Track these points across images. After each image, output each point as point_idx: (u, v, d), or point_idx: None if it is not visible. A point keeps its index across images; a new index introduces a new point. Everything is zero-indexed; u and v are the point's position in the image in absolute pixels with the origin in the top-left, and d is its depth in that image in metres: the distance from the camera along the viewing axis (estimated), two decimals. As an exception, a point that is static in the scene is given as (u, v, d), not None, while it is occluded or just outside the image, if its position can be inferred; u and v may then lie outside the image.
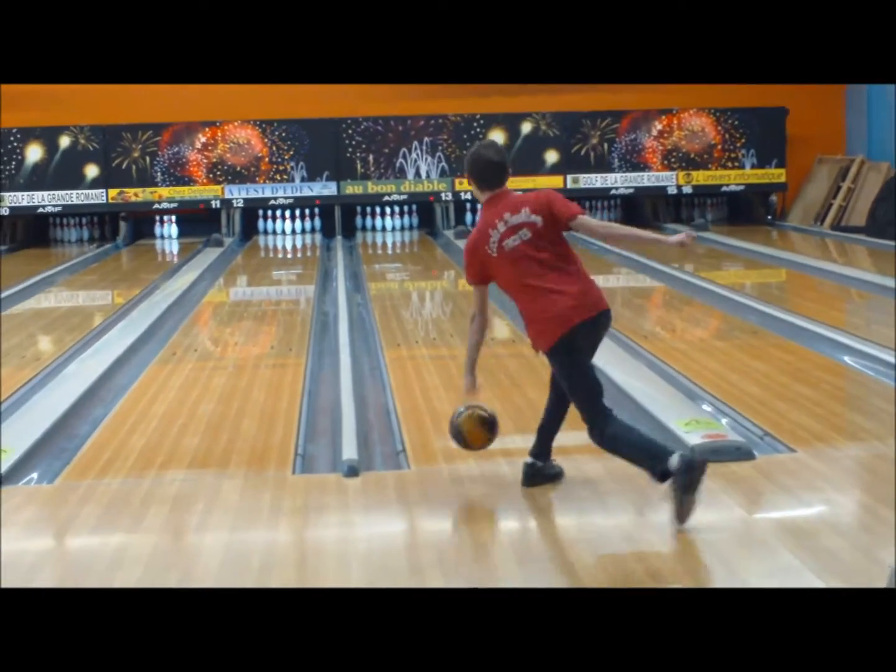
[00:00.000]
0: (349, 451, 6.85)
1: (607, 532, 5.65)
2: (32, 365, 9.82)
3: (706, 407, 7.84)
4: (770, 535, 5.49)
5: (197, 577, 5.16)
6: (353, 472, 6.56)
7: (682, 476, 5.55)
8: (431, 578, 5.06)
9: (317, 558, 5.41)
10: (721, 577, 5.09)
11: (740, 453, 6.65)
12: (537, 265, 5.95)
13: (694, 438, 6.80)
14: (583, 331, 5.89)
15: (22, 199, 19.96)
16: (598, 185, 20.19)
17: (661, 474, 5.66)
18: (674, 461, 5.59)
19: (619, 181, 20.27)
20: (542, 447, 6.26)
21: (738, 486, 6.20)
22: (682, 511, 5.54)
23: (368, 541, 5.67)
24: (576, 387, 5.97)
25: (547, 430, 6.26)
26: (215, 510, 6.10)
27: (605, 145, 20.18)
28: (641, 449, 5.81)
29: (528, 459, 6.27)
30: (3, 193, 19.89)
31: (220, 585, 5.04)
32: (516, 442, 6.84)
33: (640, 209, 20.68)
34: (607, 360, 8.99)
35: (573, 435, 6.29)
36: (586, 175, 20.02)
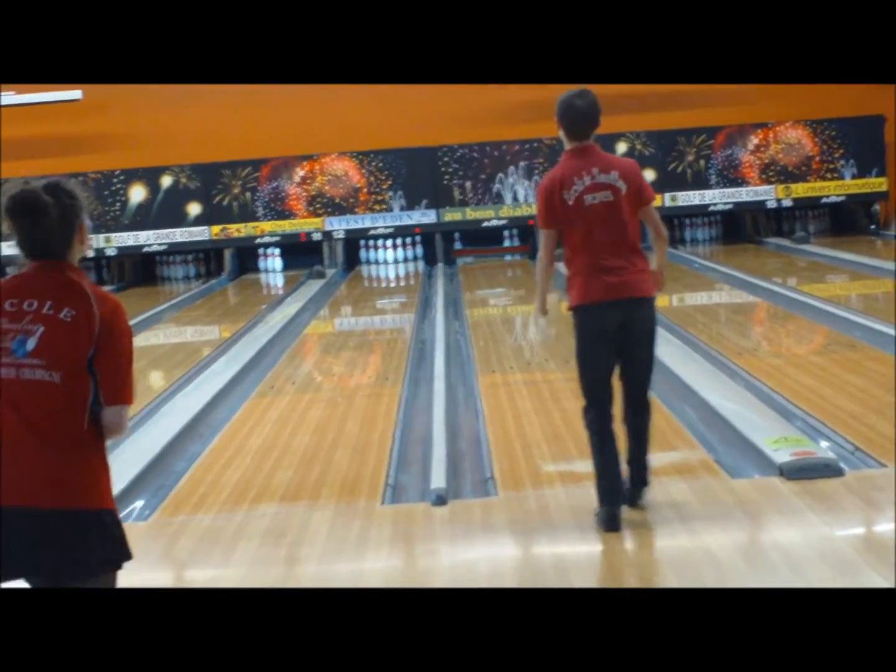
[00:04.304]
0: (438, 480, 6.90)
1: (692, 555, 5.63)
2: (135, 403, 9.98)
3: (798, 423, 7.79)
4: (853, 553, 5.45)
5: (282, 609, 5.23)
6: (440, 501, 6.61)
7: (600, 523, 5.97)
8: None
9: (401, 587, 5.47)
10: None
11: (829, 470, 6.59)
12: (606, 231, 5.93)
13: (782, 456, 6.76)
14: (610, 310, 5.93)
15: (128, 239, 20.33)
16: (697, 202, 20.11)
17: (600, 499, 5.99)
18: (600, 511, 5.97)
19: (717, 197, 20.17)
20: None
21: (825, 503, 6.16)
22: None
23: (452, 569, 5.72)
24: (579, 361, 6.11)
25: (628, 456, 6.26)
26: (304, 542, 6.18)
27: (702, 162, 20.11)
28: (598, 469, 6.03)
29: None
30: (109, 234, 20.27)
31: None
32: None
33: (740, 225, 20.57)
34: (699, 378, 9.01)
35: (659, 456, 6.31)
36: (684, 193, 19.96)
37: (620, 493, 6.00)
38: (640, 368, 6.11)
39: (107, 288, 20.22)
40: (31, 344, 3.58)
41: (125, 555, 3.70)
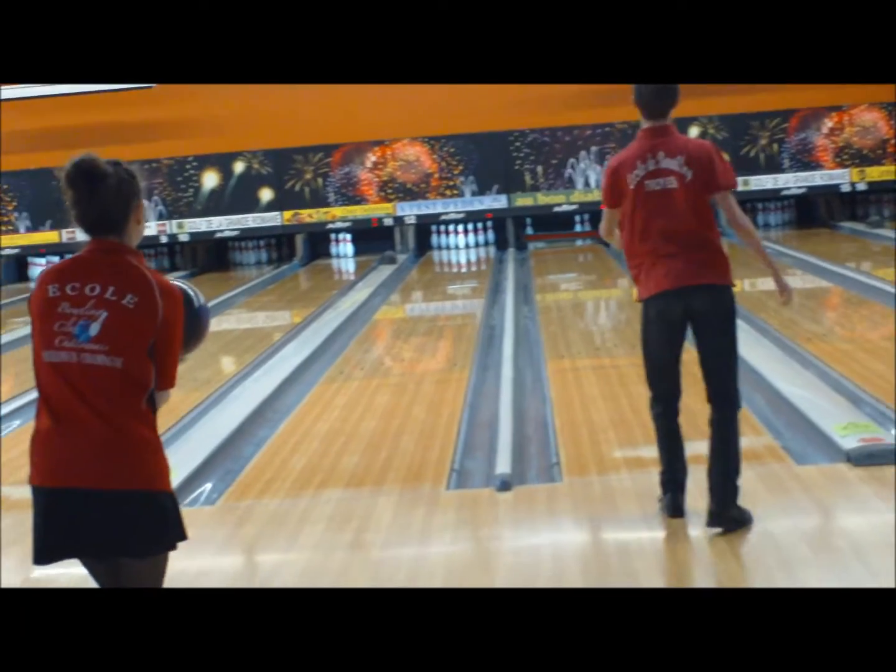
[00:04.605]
0: (503, 466, 6.91)
1: (756, 541, 5.60)
2: (204, 387, 10.06)
3: (867, 410, 7.72)
4: (920, 541, 5.40)
5: (345, 594, 5.27)
6: (505, 486, 6.61)
7: (663, 510, 5.92)
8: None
9: (463, 573, 5.48)
10: (866, 581, 5.02)
11: (897, 457, 6.54)
12: (667, 219, 5.70)
13: (850, 443, 6.71)
14: (673, 300, 5.69)
15: (201, 224, 20.47)
16: (769, 186, 19.95)
17: (663, 488, 5.90)
18: (663, 498, 5.91)
19: (790, 181, 19.99)
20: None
21: (892, 490, 6.09)
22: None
23: (515, 554, 5.73)
24: (644, 353, 5.93)
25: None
26: (368, 528, 6.21)
27: (775, 145, 19.94)
28: (662, 460, 5.92)
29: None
30: (183, 220, 20.42)
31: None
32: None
33: (814, 209, 20.39)
34: (768, 363, 8.95)
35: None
36: (757, 177, 19.79)
37: (684, 483, 5.87)
38: (710, 360, 5.80)
39: (179, 273, 20.44)
40: (94, 329, 3.59)
41: (180, 536, 3.73)
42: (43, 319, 3.66)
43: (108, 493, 3.59)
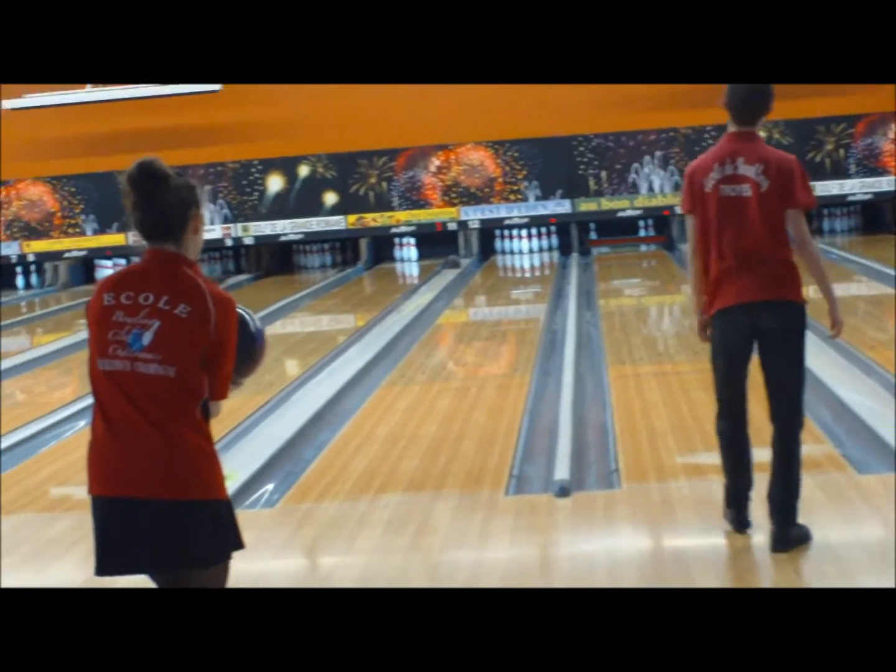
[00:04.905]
0: (562, 472, 6.91)
1: (815, 550, 5.57)
2: (267, 390, 10.12)
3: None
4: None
5: (402, 598, 5.29)
6: (563, 492, 6.62)
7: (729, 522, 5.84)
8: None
9: (520, 579, 5.49)
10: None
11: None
12: (739, 228, 5.52)
13: (911, 451, 6.67)
14: (740, 315, 5.54)
15: (265, 228, 20.58)
16: (835, 192, 19.81)
17: (726, 502, 5.82)
18: (727, 512, 5.82)
19: (856, 187, 19.85)
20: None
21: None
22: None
23: (572, 560, 5.73)
24: (712, 368, 5.75)
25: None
26: (426, 532, 6.23)
27: (841, 151, 19.80)
28: (726, 475, 5.80)
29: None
30: (247, 223, 20.54)
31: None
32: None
33: (880, 214, 20.22)
34: (830, 371, 8.90)
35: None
36: (823, 182, 19.65)
37: (747, 498, 5.75)
38: (776, 379, 5.61)
39: (244, 276, 20.57)
40: (147, 338, 3.60)
41: (236, 544, 3.73)
42: (98, 327, 3.68)
43: (163, 502, 3.60)
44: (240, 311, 3.84)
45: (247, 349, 3.86)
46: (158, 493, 3.60)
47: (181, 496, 3.60)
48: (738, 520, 5.78)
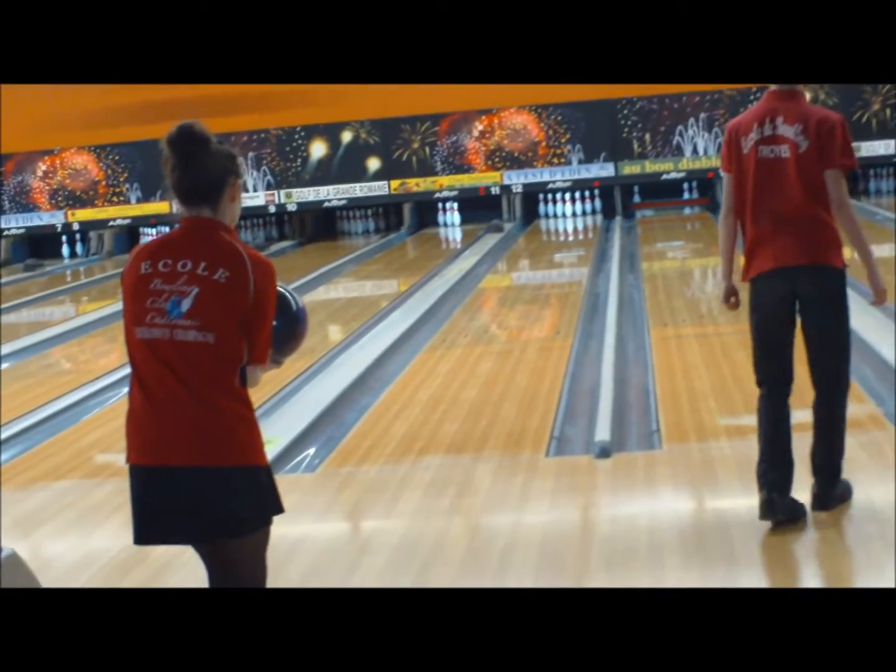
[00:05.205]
0: (602, 433, 6.91)
1: (856, 509, 5.54)
2: (309, 355, 10.14)
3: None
4: None
5: (441, 560, 5.31)
6: (604, 453, 6.61)
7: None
8: (669, 559, 5.11)
9: (559, 540, 5.49)
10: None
11: None
12: (777, 190, 5.33)
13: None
14: (777, 280, 5.35)
15: (308, 194, 20.60)
16: (881, 152, 19.59)
17: (759, 483, 5.40)
18: (760, 496, 5.37)
19: (903, 147, 19.67)
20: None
21: None
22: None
23: (612, 522, 5.73)
24: (751, 332, 5.51)
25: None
26: (466, 494, 6.24)
27: (888, 110, 19.59)
28: (760, 449, 5.44)
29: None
30: (290, 190, 20.56)
31: (463, 569, 5.20)
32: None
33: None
34: (873, 331, 8.82)
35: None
36: (868, 142, 19.45)
37: (779, 480, 5.36)
38: (816, 345, 5.43)
39: (287, 243, 20.62)
40: (185, 305, 3.58)
41: (276, 509, 3.70)
42: (135, 296, 3.67)
43: (201, 469, 3.58)
44: (282, 290, 3.82)
45: (289, 329, 3.85)
46: (196, 460, 3.58)
47: (219, 463, 3.58)
48: (766, 504, 5.36)
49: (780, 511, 5.34)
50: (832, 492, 5.51)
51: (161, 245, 3.74)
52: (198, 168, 3.68)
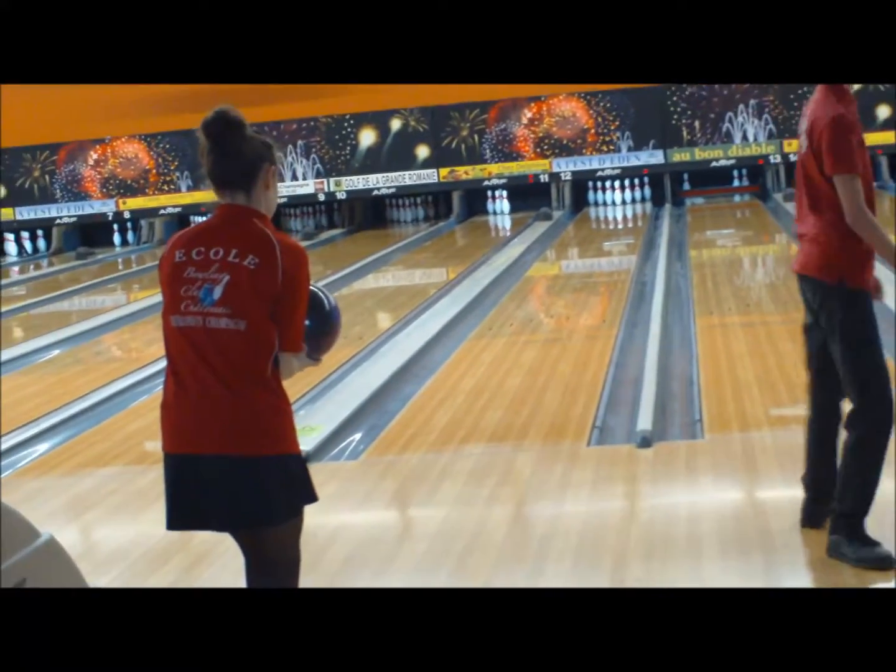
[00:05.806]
0: (644, 422, 6.91)
1: (883, 495, 5.52)
2: (356, 343, 10.19)
3: None
4: None
5: (480, 549, 5.34)
6: (645, 442, 6.61)
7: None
8: (708, 550, 5.12)
9: (599, 529, 5.51)
10: None
11: None
12: (799, 190, 4.95)
13: None
14: (802, 286, 4.98)
15: (358, 182, 20.65)
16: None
17: (804, 482, 5.19)
18: (803, 501, 5.16)
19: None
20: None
21: None
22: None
23: (651, 511, 5.74)
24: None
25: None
26: (507, 483, 6.27)
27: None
28: (809, 461, 5.18)
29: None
30: (340, 178, 20.62)
31: (502, 557, 5.22)
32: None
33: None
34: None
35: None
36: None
37: (817, 487, 5.12)
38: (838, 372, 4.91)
39: (337, 231, 20.68)
40: (217, 292, 3.61)
41: (309, 498, 3.72)
42: (171, 284, 3.70)
43: (232, 458, 3.60)
44: (315, 289, 3.85)
45: (323, 327, 3.88)
46: (225, 449, 3.61)
47: (247, 452, 3.61)
48: (807, 513, 5.18)
49: (809, 513, 5.20)
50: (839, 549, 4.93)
51: (195, 233, 3.77)
52: (231, 152, 3.70)
